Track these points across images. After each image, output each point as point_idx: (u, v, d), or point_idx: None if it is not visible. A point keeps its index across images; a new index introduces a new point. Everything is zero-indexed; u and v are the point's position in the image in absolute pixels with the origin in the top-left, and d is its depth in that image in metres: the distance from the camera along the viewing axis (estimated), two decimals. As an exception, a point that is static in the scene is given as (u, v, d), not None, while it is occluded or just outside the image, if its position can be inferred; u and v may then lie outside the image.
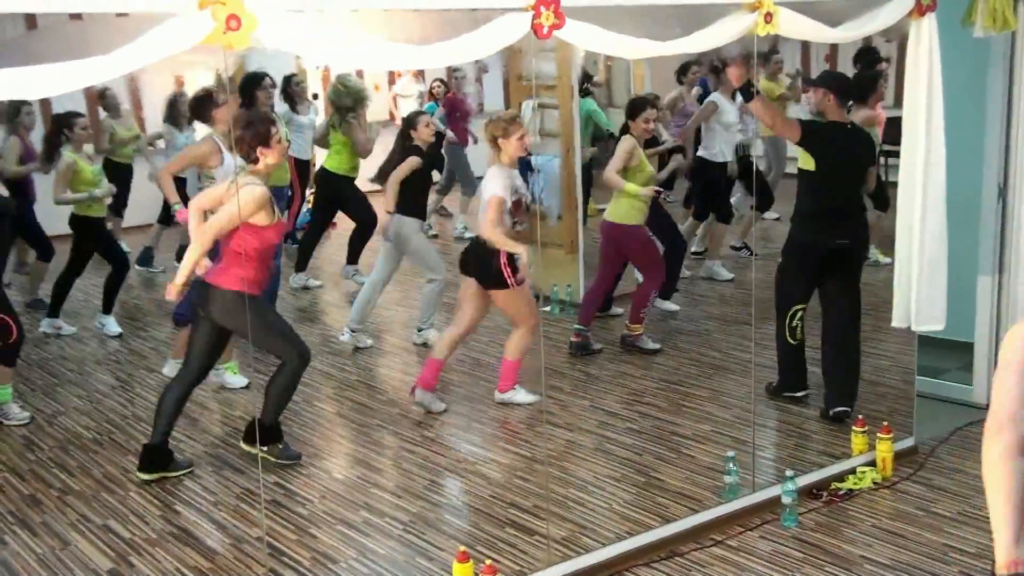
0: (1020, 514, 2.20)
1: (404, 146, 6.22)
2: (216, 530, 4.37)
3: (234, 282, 4.57)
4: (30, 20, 3.73)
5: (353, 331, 6.52)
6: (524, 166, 6.68)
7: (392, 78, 10.39)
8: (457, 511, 4.44)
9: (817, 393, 5.34)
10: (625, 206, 6.18)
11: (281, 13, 2.99)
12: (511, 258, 5.18)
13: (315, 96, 9.44)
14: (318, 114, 8.44)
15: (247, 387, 5.78)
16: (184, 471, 4.82)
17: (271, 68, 6.95)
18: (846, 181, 5.12)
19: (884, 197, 6.37)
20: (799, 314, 5.21)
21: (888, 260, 5.84)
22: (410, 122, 6.30)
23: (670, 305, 7.01)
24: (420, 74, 9.78)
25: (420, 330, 6.56)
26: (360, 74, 8.00)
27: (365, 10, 3.27)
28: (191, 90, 8.01)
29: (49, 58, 2.67)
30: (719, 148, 7.22)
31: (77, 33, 3.31)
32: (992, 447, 2.25)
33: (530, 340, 5.42)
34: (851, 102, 5.31)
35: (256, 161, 4.58)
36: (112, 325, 6.88)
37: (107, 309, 6.91)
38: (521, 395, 5.53)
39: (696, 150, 7.39)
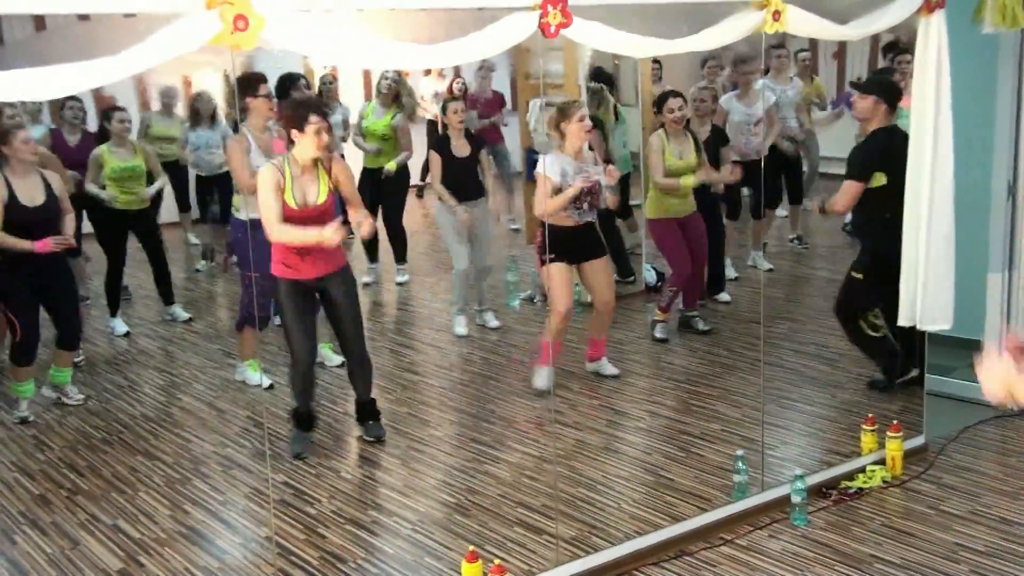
0: None
1: (436, 133, 6.49)
2: (225, 530, 4.38)
3: (271, 265, 4.77)
4: (38, 21, 3.74)
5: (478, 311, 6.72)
6: (531, 164, 6.72)
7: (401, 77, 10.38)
8: (466, 510, 4.44)
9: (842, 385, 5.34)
10: (650, 199, 6.28)
11: (288, 13, 2.99)
12: (548, 240, 5.26)
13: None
14: (349, 113, 8.42)
15: (271, 387, 5.78)
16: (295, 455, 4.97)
17: (276, 69, 6.92)
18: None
19: None
20: (873, 311, 5.22)
21: None
22: (442, 109, 6.53)
23: (723, 296, 7.05)
24: (441, 74, 9.77)
25: (480, 311, 6.74)
26: (368, 74, 7.99)
27: (372, 10, 3.27)
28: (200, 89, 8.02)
29: (57, 59, 2.67)
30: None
31: (85, 34, 3.32)
32: None
33: (557, 323, 5.45)
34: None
35: (293, 144, 4.62)
36: (119, 325, 6.90)
37: (113, 311, 6.91)
38: (540, 378, 5.54)
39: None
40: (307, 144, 4.58)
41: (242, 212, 5.57)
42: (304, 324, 4.87)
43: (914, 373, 5.31)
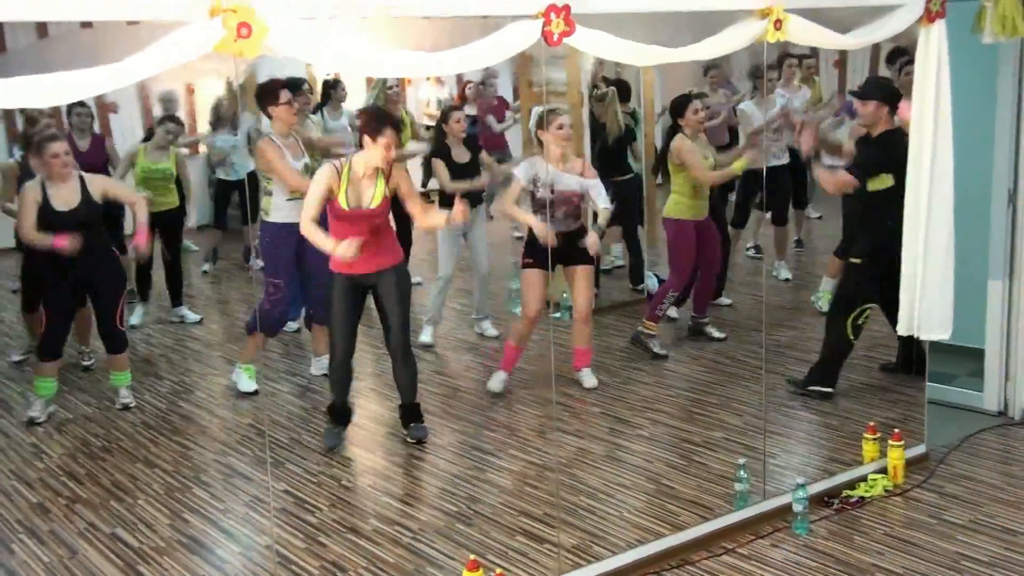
0: None
1: (438, 140, 6.47)
2: (225, 538, 4.37)
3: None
4: (41, 28, 3.74)
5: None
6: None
7: (403, 85, 10.37)
8: (467, 519, 4.43)
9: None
10: (671, 200, 6.29)
11: (292, 21, 2.99)
12: (528, 241, 5.56)
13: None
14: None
15: (254, 393, 5.79)
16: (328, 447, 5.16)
17: (278, 75, 6.91)
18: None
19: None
20: (867, 312, 5.31)
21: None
22: (444, 117, 6.54)
23: (723, 299, 7.03)
24: (439, 80, 9.75)
25: (478, 319, 6.75)
26: (369, 81, 7.97)
27: (376, 17, 3.27)
28: (202, 96, 8.03)
29: (60, 66, 2.67)
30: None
31: (88, 41, 3.32)
32: None
33: (523, 327, 5.66)
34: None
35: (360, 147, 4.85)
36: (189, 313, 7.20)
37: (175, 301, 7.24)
38: (495, 380, 5.74)
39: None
40: (374, 154, 4.74)
41: (273, 215, 5.60)
42: (348, 320, 5.07)
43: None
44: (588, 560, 4.04)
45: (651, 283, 7.29)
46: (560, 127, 5.47)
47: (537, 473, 4.82)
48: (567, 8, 3.43)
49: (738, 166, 6.09)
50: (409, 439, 5.19)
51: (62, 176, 5.39)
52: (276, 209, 5.61)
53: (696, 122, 6.12)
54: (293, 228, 5.32)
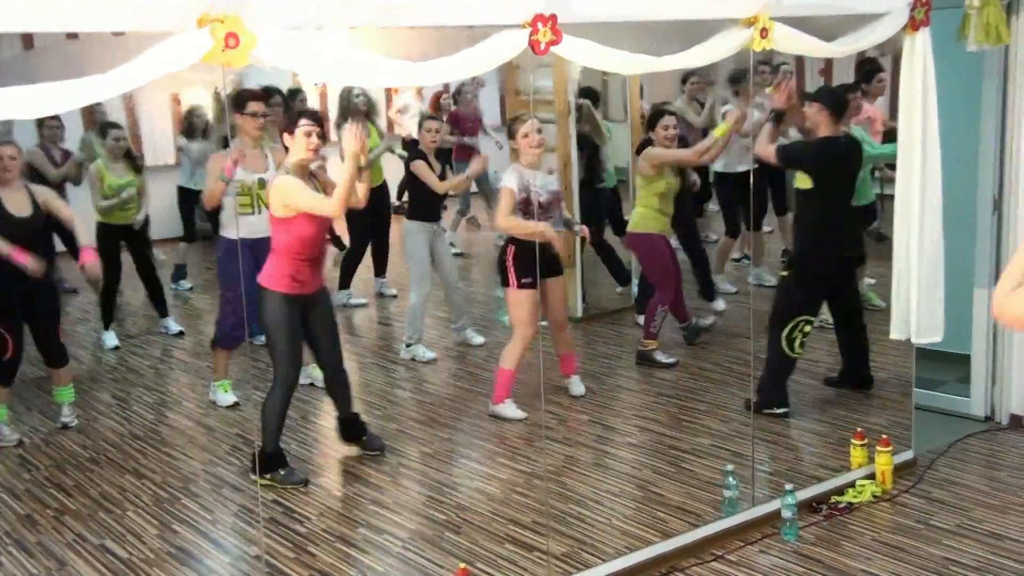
0: None
1: (413, 151, 6.48)
2: (214, 549, 4.35)
3: (262, 276, 4.70)
4: (27, 40, 3.74)
5: (408, 345, 6.58)
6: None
7: (389, 95, 10.40)
8: (456, 528, 4.42)
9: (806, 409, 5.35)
10: (639, 215, 6.27)
11: (280, 31, 2.99)
12: (518, 258, 5.32)
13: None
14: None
15: (234, 406, 5.77)
16: (298, 483, 4.78)
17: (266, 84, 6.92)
18: (841, 193, 5.25)
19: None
20: (802, 326, 5.20)
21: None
22: (419, 124, 6.61)
23: (718, 304, 7.03)
24: (420, 92, 9.77)
25: (408, 345, 6.54)
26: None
27: (363, 28, 3.28)
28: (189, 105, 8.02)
29: (46, 77, 2.67)
30: (730, 159, 7.17)
31: (74, 52, 3.31)
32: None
33: (521, 350, 5.43)
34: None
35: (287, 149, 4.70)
36: (111, 339, 6.95)
37: (106, 324, 6.97)
38: (510, 410, 5.49)
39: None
40: (298, 145, 4.57)
41: (230, 231, 5.57)
42: (299, 344, 4.82)
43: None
44: (577, 567, 4.04)
45: (637, 290, 7.29)
46: (525, 135, 5.19)
47: (526, 481, 4.82)
48: (554, 17, 3.45)
49: (720, 131, 6.11)
50: (368, 451, 5.10)
51: (5, 180, 5.19)
52: (225, 224, 5.63)
53: (664, 138, 6.13)
54: (242, 243, 5.29)
